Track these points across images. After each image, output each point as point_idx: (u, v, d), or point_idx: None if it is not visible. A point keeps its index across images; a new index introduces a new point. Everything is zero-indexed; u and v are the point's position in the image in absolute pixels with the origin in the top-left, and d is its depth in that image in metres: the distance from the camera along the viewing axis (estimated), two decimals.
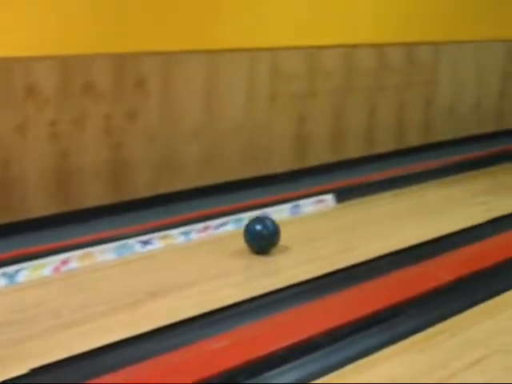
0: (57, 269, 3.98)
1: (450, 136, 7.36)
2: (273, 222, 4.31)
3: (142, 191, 5.14)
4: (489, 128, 7.80)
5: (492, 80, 7.75)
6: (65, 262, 4.04)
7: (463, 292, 3.78)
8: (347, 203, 5.39)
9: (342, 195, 5.44)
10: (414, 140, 7.03)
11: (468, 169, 6.45)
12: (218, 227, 4.71)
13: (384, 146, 6.74)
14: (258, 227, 4.25)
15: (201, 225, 4.67)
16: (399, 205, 5.45)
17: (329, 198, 5.35)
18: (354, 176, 5.99)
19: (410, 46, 6.79)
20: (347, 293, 3.74)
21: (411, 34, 6.81)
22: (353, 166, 6.30)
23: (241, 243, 4.33)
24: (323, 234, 4.72)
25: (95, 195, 4.93)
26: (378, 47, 6.52)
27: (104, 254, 4.20)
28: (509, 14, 7.69)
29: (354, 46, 6.34)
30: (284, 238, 4.39)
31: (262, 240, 4.27)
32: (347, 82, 6.32)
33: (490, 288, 3.81)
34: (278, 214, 4.97)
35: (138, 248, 4.33)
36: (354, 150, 6.49)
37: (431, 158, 6.71)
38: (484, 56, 7.59)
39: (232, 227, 4.73)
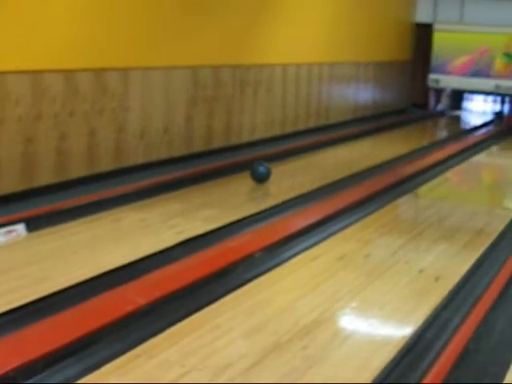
0: None
1: (141, 160, 7.50)
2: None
3: None
4: (178, 151, 8.05)
5: (179, 104, 8.02)
6: None
7: (158, 315, 3.88)
8: (40, 232, 5.29)
9: (34, 224, 5.32)
10: (107, 165, 7.07)
11: (160, 192, 6.61)
12: None
13: (76, 172, 6.71)
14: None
15: None
16: (95, 231, 5.44)
17: (20, 228, 5.21)
18: (46, 204, 5.88)
19: (98, 72, 6.83)
20: (42, 324, 3.67)
21: (100, 60, 6.86)
22: (45, 194, 6.19)
23: None
24: (16, 265, 4.59)
25: None
26: (67, 73, 6.49)
27: None
28: (192, 42, 8.01)
29: (41, 72, 6.25)
30: None
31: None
32: (35, 108, 6.20)
33: (183, 309, 3.94)
34: None
35: None
36: (45, 177, 6.38)
37: (124, 182, 6.78)
38: (171, 81, 7.84)
39: None
